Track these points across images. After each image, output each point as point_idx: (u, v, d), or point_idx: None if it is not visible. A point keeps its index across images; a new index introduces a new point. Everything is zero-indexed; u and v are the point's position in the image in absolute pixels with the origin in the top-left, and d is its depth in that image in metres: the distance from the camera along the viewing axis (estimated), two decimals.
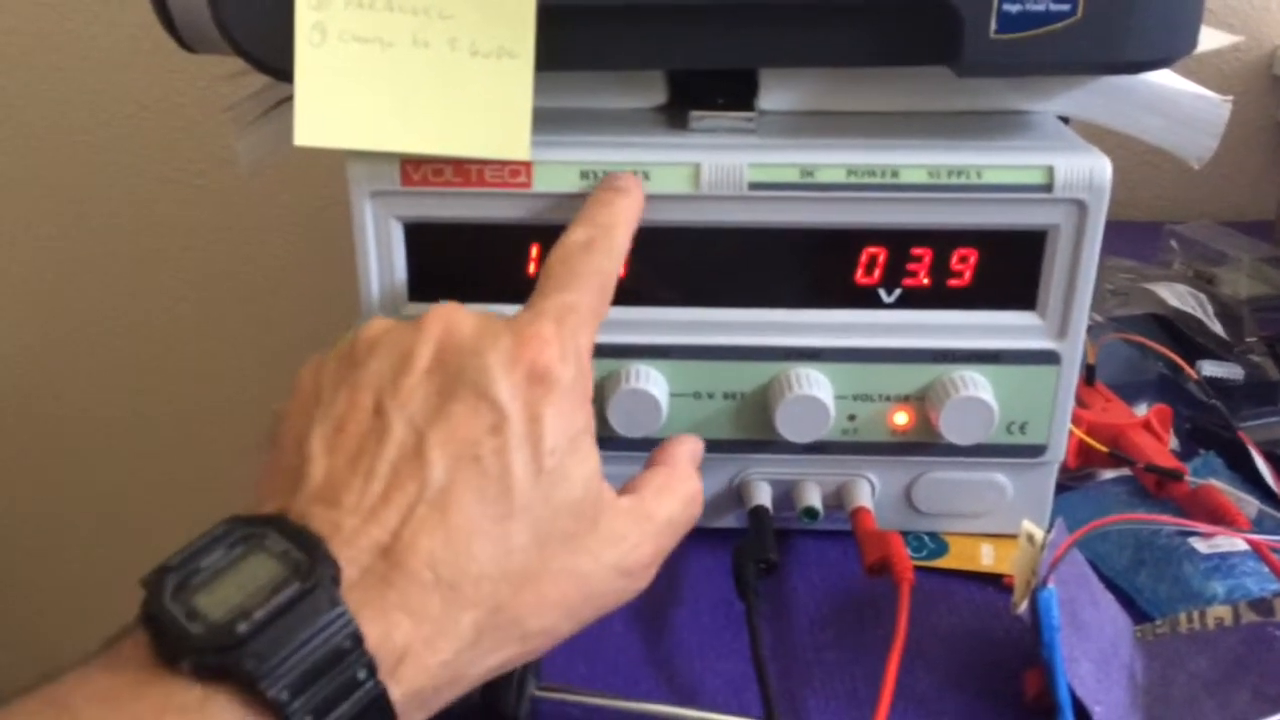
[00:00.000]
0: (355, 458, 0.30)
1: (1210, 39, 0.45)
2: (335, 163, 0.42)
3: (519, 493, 0.31)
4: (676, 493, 0.36)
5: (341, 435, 0.31)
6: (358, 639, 0.26)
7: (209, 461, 1.07)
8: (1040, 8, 0.38)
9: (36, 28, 0.91)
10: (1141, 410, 0.52)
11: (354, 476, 0.30)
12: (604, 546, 0.33)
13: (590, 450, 0.33)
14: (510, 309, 0.43)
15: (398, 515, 0.29)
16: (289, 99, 0.44)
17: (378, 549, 0.29)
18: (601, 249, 0.36)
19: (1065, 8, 0.38)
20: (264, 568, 0.27)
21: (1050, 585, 0.36)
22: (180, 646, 0.25)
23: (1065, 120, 0.46)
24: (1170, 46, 0.40)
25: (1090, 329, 0.57)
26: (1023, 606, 0.37)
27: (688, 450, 0.39)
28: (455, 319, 0.33)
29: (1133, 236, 0.76)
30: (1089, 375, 0.54)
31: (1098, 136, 0.43)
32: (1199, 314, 0.60)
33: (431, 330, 0.33)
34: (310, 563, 0.27)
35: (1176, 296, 0.61)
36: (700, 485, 0.37)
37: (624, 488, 0.35)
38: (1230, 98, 0.44)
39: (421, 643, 0.28)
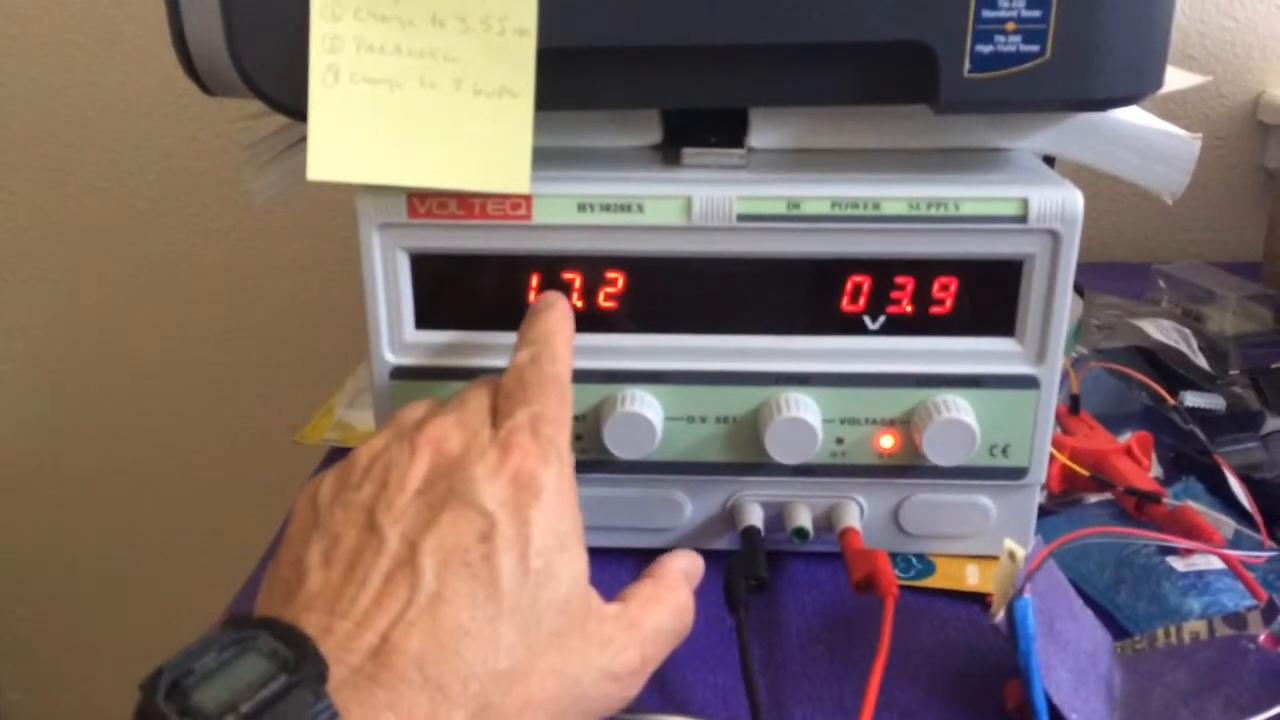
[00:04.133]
0: (349, 569, 0.32)
1: (1178, 79, 0.47)
2: (347, 204, 0.44)
3: (507, 593, 0.32)
4: (665, 602, 0.37)
5: (337, 550, 0.33)
6: None
7: (235, 493, 1.09)
8: (1011, 48, 0.40)
9: (59, 77, 0.95)
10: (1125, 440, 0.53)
11: (348, 585, 0.31)
12: (591, 649, 0.34)
13: (578, 551, 0.34)
14: (511, 337, 0.45)
15: (389, 619, 0.30)
16: (303, 140, 0.46)
17: (368, 651, 0.30)
18: (546, 358, 0.39)
19: (1035, 48, 0.40)
20: (253, 666, 0.28)
21: (1026, 595, 0.38)
22: None
23: (1050, 161, 0.48)
24: (1137, 84, 0.42)
25: (1076, 361, 0.59)
26: (1000, 615, 0.38)
27: (681, 564, 0.40)
28: (444, 440, 0.35)
29: (1122, 276, 0.77)
30: (1074, 405, 0.55)
31: (1087, 179, 0.45)
32: (1182, 347, 0.62)
33: (422, 453, 0.35)
34: (298, 659, 0.28)
35: (1161, 330, 0.63)
36: (691, 597, 0.39)
37: (615, 597, 0.37)
38: (1199, 135, 0.46)
39: None
